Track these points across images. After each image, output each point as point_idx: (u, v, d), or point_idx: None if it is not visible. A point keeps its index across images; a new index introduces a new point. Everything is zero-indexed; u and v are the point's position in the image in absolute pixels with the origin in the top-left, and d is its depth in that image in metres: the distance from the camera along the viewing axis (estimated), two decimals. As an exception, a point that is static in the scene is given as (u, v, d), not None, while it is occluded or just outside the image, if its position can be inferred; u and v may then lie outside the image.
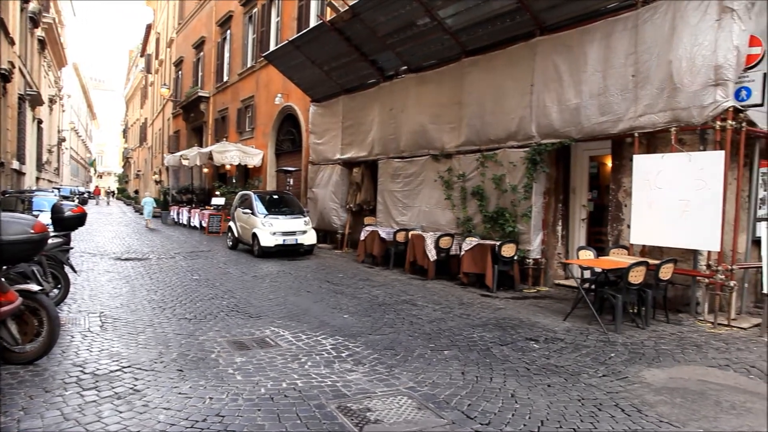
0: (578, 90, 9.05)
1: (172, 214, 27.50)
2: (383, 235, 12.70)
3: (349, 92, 15.61)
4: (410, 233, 11.88)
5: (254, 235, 14.36)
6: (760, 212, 8.45)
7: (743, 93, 7.23)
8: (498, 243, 9.60)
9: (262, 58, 20.19)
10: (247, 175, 24.32)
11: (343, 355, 5.88)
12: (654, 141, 8.34)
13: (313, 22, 17.74)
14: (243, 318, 7.48)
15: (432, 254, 10.88)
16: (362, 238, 13.38)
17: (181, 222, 25.74)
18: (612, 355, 6.06)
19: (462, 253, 10.24)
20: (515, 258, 9.77)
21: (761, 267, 7.29)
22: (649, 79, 8.07)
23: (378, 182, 14.28)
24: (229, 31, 27.32)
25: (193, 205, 26.03)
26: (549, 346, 6.35)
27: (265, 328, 6.91)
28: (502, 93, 10.47)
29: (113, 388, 4.71)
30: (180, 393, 4.63)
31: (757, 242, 7.98)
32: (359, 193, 15.23)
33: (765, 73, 7.17)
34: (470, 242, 10.13)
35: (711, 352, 6.23)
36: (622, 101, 8.42)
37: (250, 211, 14.85)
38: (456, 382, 5.11)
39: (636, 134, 8.25)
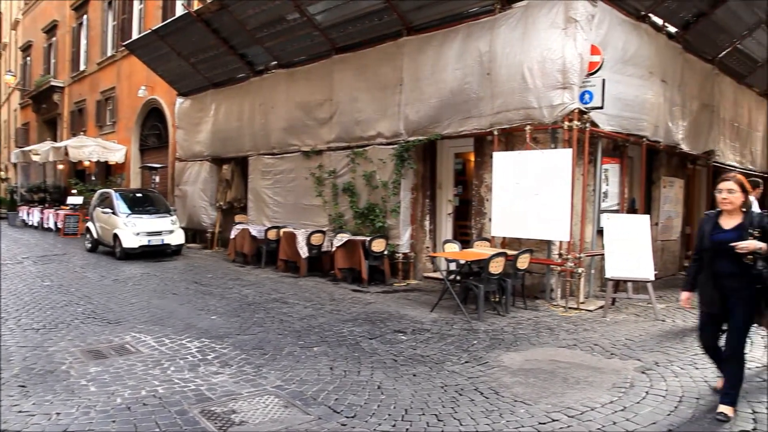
0: (443, 89, 9.40)
1: (21, 214, 25.04)
2: (254, 233, 12.43)
3: (218, 86, 15.12)
4: (282, 230, 11.74)
5: (115, 236, 13.47)
6: (604, 205, 9.29)
7: (586, 96, 7.89)
8: (368, 238, 9.76)
9: (123, 48, 18.95)
10: (108, 172, 22.76)
11: (209, 357, 5.69)
12: (512, 139, 8.88)
13: (179, 11, 16.92)
14: (100, 325, 6.99)
15: (304, 251, 10.83)
16: (233, 236, 13.02)
17: (31, 224, 23.49)
18: (474, 342, 6.37)
19: (334, 249, 10.29)
20: (385, 253, 9.98)
21: (604, 254, 8.02)
22: (506, 79, 8.55)
23: (248, 179, 13.96)
24: (85, 16, 25.33)
25: (47, 205, 23.88)
26: (416, 337, 6.56)
27: (125, 334, 6.51)
28: (371, 90, 10.64)
29: (-62, 411, 4.20)
30: (21, 411, 4.23)
31: (601, 232, 8.77)
32: (229, 190, 14.79)
33: (603, 79, 7.87)
34: (341, 238, 10.20)
35: (562, 333, 6.75)
36: (483, 100, 8.87)
37: (111, 211, 13.90)
38: (324, 377, 5.13)
39: (495, 132, 8.73)
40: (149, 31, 14.91)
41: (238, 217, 14.11)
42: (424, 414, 4.33)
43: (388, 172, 10.23)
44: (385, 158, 10.25)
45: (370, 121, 10.65)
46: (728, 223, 4.19)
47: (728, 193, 4.15)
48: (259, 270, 11.84)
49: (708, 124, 11.71)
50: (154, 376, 5.08)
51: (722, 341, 4.40)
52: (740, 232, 4.05)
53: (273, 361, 5.59)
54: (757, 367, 5.36)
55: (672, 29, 10.30)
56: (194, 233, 16.26)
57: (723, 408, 4.17)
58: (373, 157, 10.50)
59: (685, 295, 4.58)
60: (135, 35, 19.14)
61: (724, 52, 11.87)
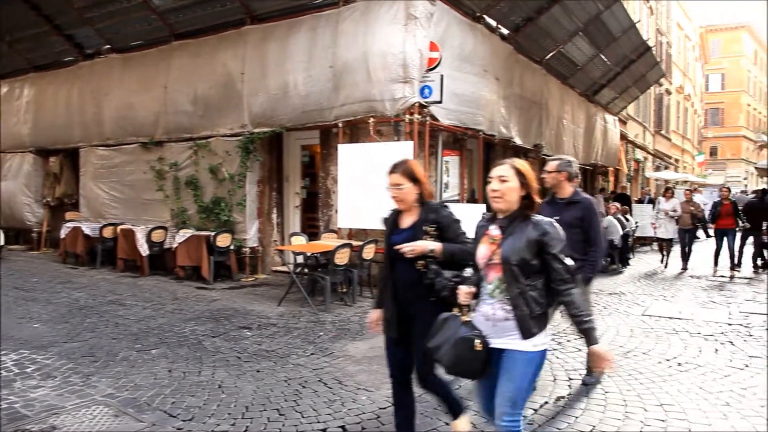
0: (287, 80, 9.28)
1: None
2: (88, 231, 11.44)
3: (41, 70, 13.69)
4: (119, 228, 10.94)
5: None
6: (445, 195, 9.74)
7: (426, 91, 8.21)
8: (213, 233, 9.40)
9: None
10: None
11: (27, 370, 5.11)
12: (357, 131, 8.99)
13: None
14: None
15: (144, 249, 10.18)
16: (62, 236, 11.89)
17: None
18: (321, 333, 6.39)
19: (176, 245, 9.78)
20: (231, 248, 9.67)
21: (445, 243, 8.40)
22: (350, 72, 8.62)
23: (80, 173, 12.81)
24: None
25: None
26: (262, 332, 6.44)
27: None
28: (213, 80, 10.21)
29: None
30: None
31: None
32: (58, 185, 13.48)
33: (442, 75, 8.23)
34: (184, 234, 9.72)
35: (405, 320, 6.97)
36: (327, 92, 8.88)
37: None
38: (161, 381, 4.85)
39: (340, 124, 8.80)
40: (-49, 3, 13.12)
41: (69, 215, 12.89)
42: (265, 410, 4.25)
43: (233, 164, 9.90)
44: (230, 150, 9.92)
45: (213, 111, 10.22)
46: (406, 221, 3.38)
47: (396, 188, 3.29)
48: (93, 271, 10.91)
49: (537, 120, 12.72)
50: (-46, 398, 4.48)
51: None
52: (414, 232, 3.26)
53: (104, 369, 5.18)
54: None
55: (504, 31, 11.03)
56: (17, 233, 14.60)
57: (453, 424, 3.51)
58: (217, 149, 10.11)
59: (373, 315, 3.55)
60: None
61: (550, 55, 12.96)
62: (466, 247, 3.19)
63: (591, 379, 4.81)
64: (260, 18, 9.78)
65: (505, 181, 2.78)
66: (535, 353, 2.76)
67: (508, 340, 2.77)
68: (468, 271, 3.06)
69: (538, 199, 2.83)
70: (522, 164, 2.83)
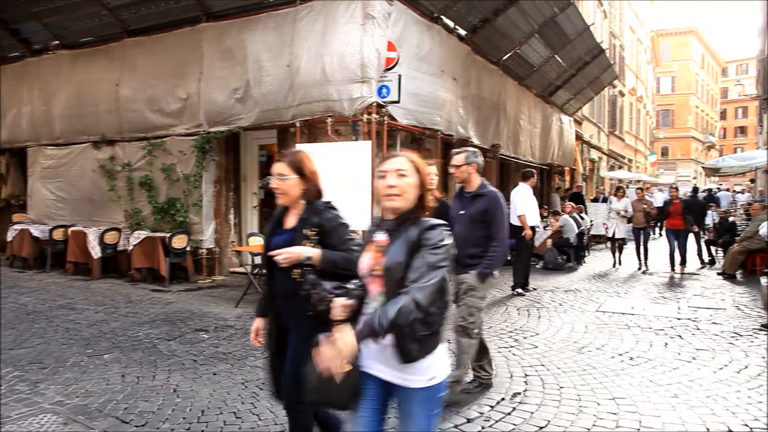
0: (244, 79, 9.17)
1: None
2: (36, 233, 11.06)
3: (-15, 65, 13.18)
4: (70, 230, 10.61)
5: None
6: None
7: (384, 90, 8.21)
8: (169, 235, 9.21)
9: None
10: None
11: (-31, 379, 4.93)
12: (315, 131, 8.93)
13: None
14: None
15: (96, 251, 9.90)
16: (9, 239, 11.46)
17: None
18: (279, 334, 6.32)
19: (131, 247, 9.54)
20: (188, 249, 9.50)
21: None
22: (307, 72, 8.55)
23: (28, 173, 12.38)
24: None
25: None
26: (219, 335, 6.34)
27: None
28: (168, 78, 10.00)
29: None
30: None
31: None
32: (4, 186, 13.01)
33: (400, 75, 8.25)
34: (139, 236, 9.50)
35: (365, 320, 6.96)
36: (284, 91, 8.80)
37: None
38: (114, 386, 4.72)
39: (297, 124, 8.73)
40: None
41: (16, 217, 12.43)
42: (221, 413, 4.19)
43: (189, 164, 9.73)
44: (186, 150, 9.74)
45: (168, 110, 10.01)
46: (290, 221, 3.02)
47: (278, 179, 2.95)
48: (43, 275, 10.56)
49: (495, 120, 12.86)
50: None
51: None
52: (294, 235, 2.90)
53: (54, 375, 5.02)
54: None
55: (462, 32, 11.13)
56: (-40, 237, 14.04)
57: None
58: (172, 148, 9.91)
59: (255, 323, 3.17)
60: None
61: (507, 56, 13.12)
62: (352, 256, 2.75)
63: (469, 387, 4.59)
64: (216, 15, 9.63)
65: (404, 175, 2.32)
66: (433, 388, 2.30)
67: (399, 373, 2.29)
68: (353, 283, 2.51)
69: (431, 200, 2.42)
70: (417, 158, 2.41)
